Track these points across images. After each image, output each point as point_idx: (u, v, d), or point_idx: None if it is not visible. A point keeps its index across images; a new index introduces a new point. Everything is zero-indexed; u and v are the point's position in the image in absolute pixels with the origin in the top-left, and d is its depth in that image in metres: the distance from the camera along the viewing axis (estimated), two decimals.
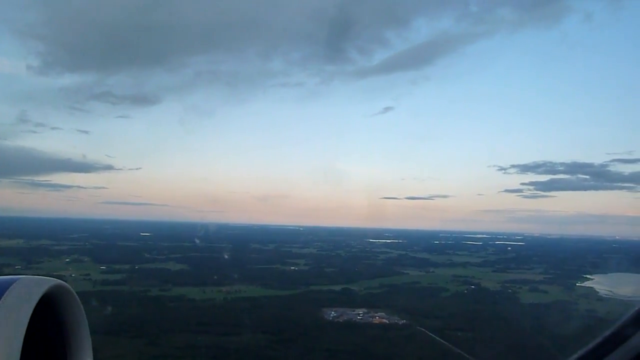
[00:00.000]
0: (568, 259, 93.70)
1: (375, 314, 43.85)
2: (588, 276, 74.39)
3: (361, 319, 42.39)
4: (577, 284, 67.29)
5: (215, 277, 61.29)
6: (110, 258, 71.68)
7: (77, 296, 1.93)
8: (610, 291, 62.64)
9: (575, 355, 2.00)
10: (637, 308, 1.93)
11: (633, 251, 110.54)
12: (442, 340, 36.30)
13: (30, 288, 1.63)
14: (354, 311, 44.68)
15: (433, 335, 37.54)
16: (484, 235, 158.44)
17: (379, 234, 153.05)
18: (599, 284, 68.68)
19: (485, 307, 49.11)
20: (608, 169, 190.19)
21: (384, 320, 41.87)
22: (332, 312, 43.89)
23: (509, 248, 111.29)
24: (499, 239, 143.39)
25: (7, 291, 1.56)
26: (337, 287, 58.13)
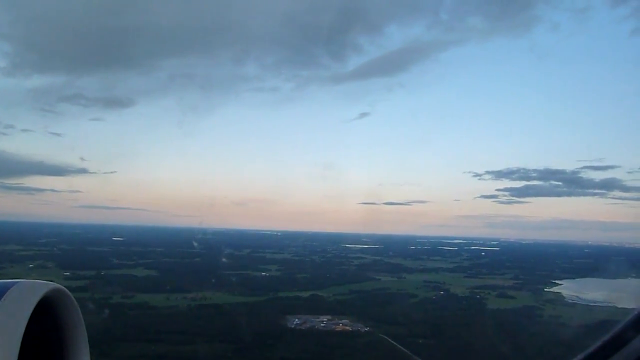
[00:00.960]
0: (539, 264, 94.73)
1: (339, 321, 43.36)
2: (557, 281, 75.26)
3: (324, 326, 41.83)
4: (545, 289, 67.96)
5: (183, 283, 60.23)
6: (77, 264, 69.88)
7: (74, 300, 1.94)
8: (577, 296, 63.39)
9: (579, 357, 2.02)
10: (637, 311, 1.93)
11: (603, 256, 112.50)
12: (402, 348, 35.98)
13: (28, 292, 1.64)
14: (318, 318, 44.12)
15: (394, 343, 37.20)
16: (461, 241, 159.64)
17: (356, 239, 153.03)
18: (567, 289, 69.49)
19: (451, 313, 49.03)
20: (580, 175, 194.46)
21: (347, 328, 41.40)
22: (296, 320, 43.24)
23: (483, 253, 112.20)
24: (474, 244, 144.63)
25: (5, 295, 1.57)
26: (306, 294, 57.48)
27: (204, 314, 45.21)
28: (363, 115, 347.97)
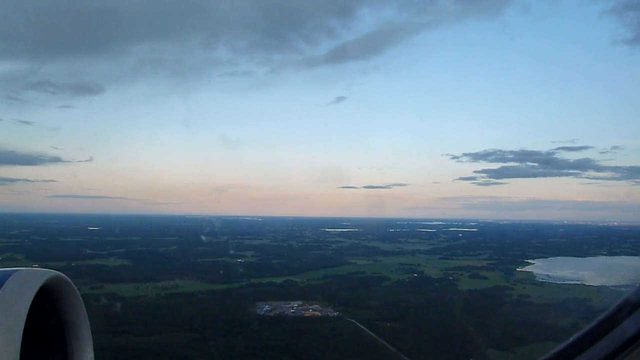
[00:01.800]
0: (514, 244, 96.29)
1: (310, 307, 43.32)
2: (529, 261, 76.55)
3: (294, 312, 41.73)
4: (518, 269, 69.01)
5: (155, 272, 59.55)
6: (47, 255, 68.52)
7: (75, 287, 1.94)
8: (547, 275, 64.56)
9: (565, 343, 2.05)
10: (625, 296, 1.95)
11: (576, 235, 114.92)
12: (369, 332, 36.11)
13: (28, 279, 1.65)
14: (288, 304, 43.98)
15: (362, 327, 37.31)
16: (440, 222, 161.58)
17: (337, 223, 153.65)
18: (539, 268, 70.74)
19: (422, 295, 49.41)
20: (554, 156, 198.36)
21: (317, 313, 41.38)
22: (266, 306, 43.04)
23: (460, 235, 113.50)
24: (453, 226, 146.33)
25: (6, 283, 1.58)
26: (280, 280, 57.34)
27: (173, 303, 44.69)
28: (339, 99, 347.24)
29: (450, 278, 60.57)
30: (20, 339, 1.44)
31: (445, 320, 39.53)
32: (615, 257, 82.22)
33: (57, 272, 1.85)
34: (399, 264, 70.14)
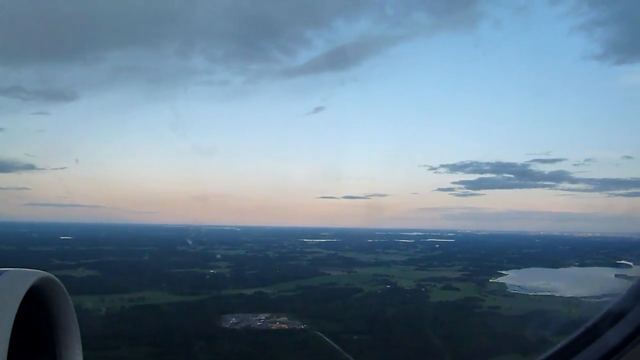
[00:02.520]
0: (489, 255, 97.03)
1: (277, 319, 42.66)
2: (503, 272, 77.05)
3: (260, 325, 41.06)
4: (491, 280, 69.38)
5: (123, 283, 58.13)
6: (12, 266, 65.46)
7: (64, 288, 1.93)
8: (519, 286, 65.00)
9: (552, 350, 2.06)
10: (610, 305, 2.01)
11: (551, 246, 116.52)
12: (334, 345, 35.64)
13: (17, 280, 1.66)
14: (256, 317, 43.27)
15: (327, 340, 36.82)
16: (419, 233, 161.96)
17: (316, 233, 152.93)
18: (511, 279, 71.24)
19: (393, 307, 49.19)
20: (530, 168, 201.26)
21: (283, 326, 40.77)
22: (232, 319, 42.28)
23: (437, 245, 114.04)
24: (432, 237, 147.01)
25: None
26: (251, 291, 56.50)
27: (137, 316, 43.63)
28: (318, 109, 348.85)
29: (423, 289, 60.49)
30: (8, 340, 1.42)
31: (412, 333, 39.28)
32: (587, 268, 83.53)
33: (47, 273, 1.84)
34: (373, 275, 69.88)
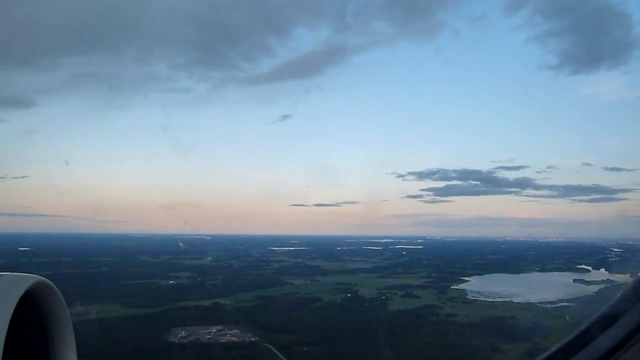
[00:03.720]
0: (455, 261, 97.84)
1: (229, 332, 41.64)
2: (465, 278, 77.71)
3: (209, 338, 39.95)
4: (452, 287, 69.71)
5: (76, 296, 55.79)
6: None
7: (59, 293, 1.95)
8: (479, 292, 65.52)
9: (546, 354, 2.04)
10: (603, 309, 2.01)
11: (515, 252, 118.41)
12: (282, 358, 34.89)
13: (12, 285, 1.66)
14: (207, 329, 42.11)
15: (277, 352, 36.07)
16: (389, 240, 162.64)
17: (286, 241, 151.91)
18: (472, 285, 71.84)
19: (349, 317, 48.71)
20: (495, 175, 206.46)
21: (233, 339, 39.78)
22: (182, 332, 41.04)
23: (404, 252, 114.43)
24: (401, 243, 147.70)
25: None
26: (207, 302, 55.14)
27: (83, 331, 41.41)
28: (285, 117, 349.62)
29: (383, 297, 60.27)
30: (3, 344, 1.42)
31: (364, 343, 38.87)
32: (547, 273, 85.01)
33: (42, 277, 1.83)
34: (336, 284, 69.38)
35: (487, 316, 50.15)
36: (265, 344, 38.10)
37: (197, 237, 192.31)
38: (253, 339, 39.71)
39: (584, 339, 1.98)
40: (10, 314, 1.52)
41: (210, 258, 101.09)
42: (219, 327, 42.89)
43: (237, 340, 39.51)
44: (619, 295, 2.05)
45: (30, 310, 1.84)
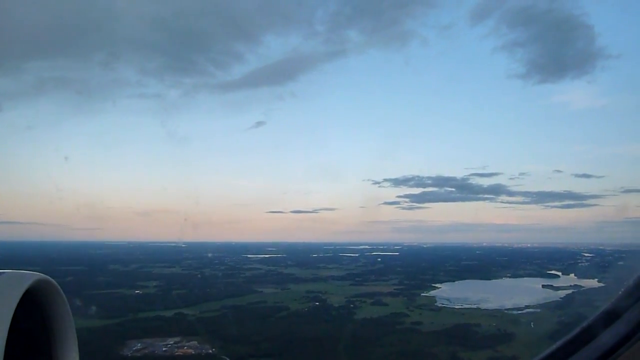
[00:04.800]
0: (429, 267, 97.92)
1: (186, 344, 40.55)
2: (437, 285, 77.66)
3: (165, 350, 38.85)
4: (422, 294, 69.54)
5: None
6: None
7: (61, 291, 1.95)
8: (448, 299, 65.45)
9: (548, 350, 2.05)
10: (604, 307, 2.02)
11: (490, 257, 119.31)
12: None
13: (13, 283, 1.67)
14: (164, 342, 40.97)
15: None
16: (366, 246, 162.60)
17: (263, 248, 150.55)
18: (443, 292, 71.80)
19: (313, 326, 47.99)
20: (469, 182, 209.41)
21: (190, 351, 38.75)
22: (138, 345, 39.83)
23: (379, 259, 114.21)
24: (378, 250, 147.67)
25: None
26: (170, 313, 53.83)
27: None
28: (259, 124, 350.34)
29: (351, 306, 59.73)
30: (5, 342, 1.44)
31: (323, 353, 38.21)
32: (518, 279, 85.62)
33: (44, 275, 1.85)
34: (306, 292, 68.60)
35: (452, 324, 49.96)
36: (222, 356, 37.17)
37: (173, 244, 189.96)
38: (210, 351, 38.75)
39: (586, 335, 1.95)
40: (12, 311, 1.51)
41: (182, 266, 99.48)
42: (177, 339, 41.77)
43: (193, 352, 38.50)
44: (621, 292, 2.02)
45: (32, 308, 1.82)
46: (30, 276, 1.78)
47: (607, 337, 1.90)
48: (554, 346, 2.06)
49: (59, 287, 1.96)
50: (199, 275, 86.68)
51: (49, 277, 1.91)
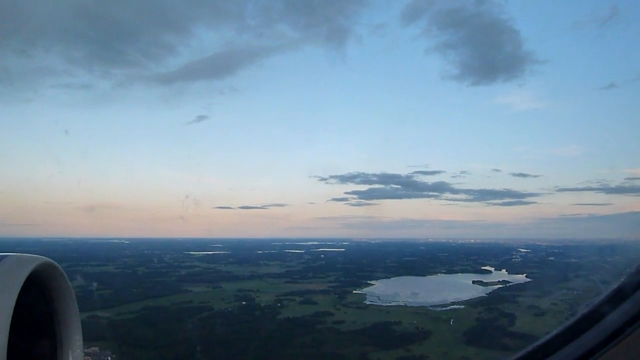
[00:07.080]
0: (369, 263, 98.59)
1: (86, 350, 38.16)
2: (372, 282, 78.06)
3: None
4: (354, 291, 69.61)
5: None
6: None
7: (65, 274, 1.94)
8: (378, 297, 65.73)
9: (553, 333, 2.03)
10: (588, 307, 2.00)
11: (432, 252, 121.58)
12: None
13: (17, 266, 1.66)
14: None
15: None
16: (315, 242, 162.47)
17: (208, 245, 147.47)
18: (375, 289, 72.16)
19: (232, 327, 46.68)
20: (413, 179, 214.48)
21: (87, 358, 36.46)
22: None
23: (322, 256, 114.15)
24: (325, 246, 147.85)
25: None
26: (83, 316, 49.42)
27: None
28: (201, 118, 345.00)
29: (279, 305, 58.87)
30: (9, 325, 1.45)
31: (232, 356, 37.06)
32: (452, 274, 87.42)
33: (47, 258, 1.84)
34: (237, 291, 67.14)
35: (374, 322, 49.97)
36: None
37: (116, 240, 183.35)
38: (109, 358, 36.71)
39: (592, 318, 1.94)
40: (16, 294, 1.52)
41: (116, 264, 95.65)
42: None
43: (90, 359, 36.29)
44: (630, 271, 1.98)
45: (36, 291, 1.81)
46: (34, 259, 1.72)
47: (613, 319, 1.86)
48: (560, 328, 2.00)
49: (62, 270, 1.89)
50: (132, 274, 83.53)
51: (52, 261, 1.84)
